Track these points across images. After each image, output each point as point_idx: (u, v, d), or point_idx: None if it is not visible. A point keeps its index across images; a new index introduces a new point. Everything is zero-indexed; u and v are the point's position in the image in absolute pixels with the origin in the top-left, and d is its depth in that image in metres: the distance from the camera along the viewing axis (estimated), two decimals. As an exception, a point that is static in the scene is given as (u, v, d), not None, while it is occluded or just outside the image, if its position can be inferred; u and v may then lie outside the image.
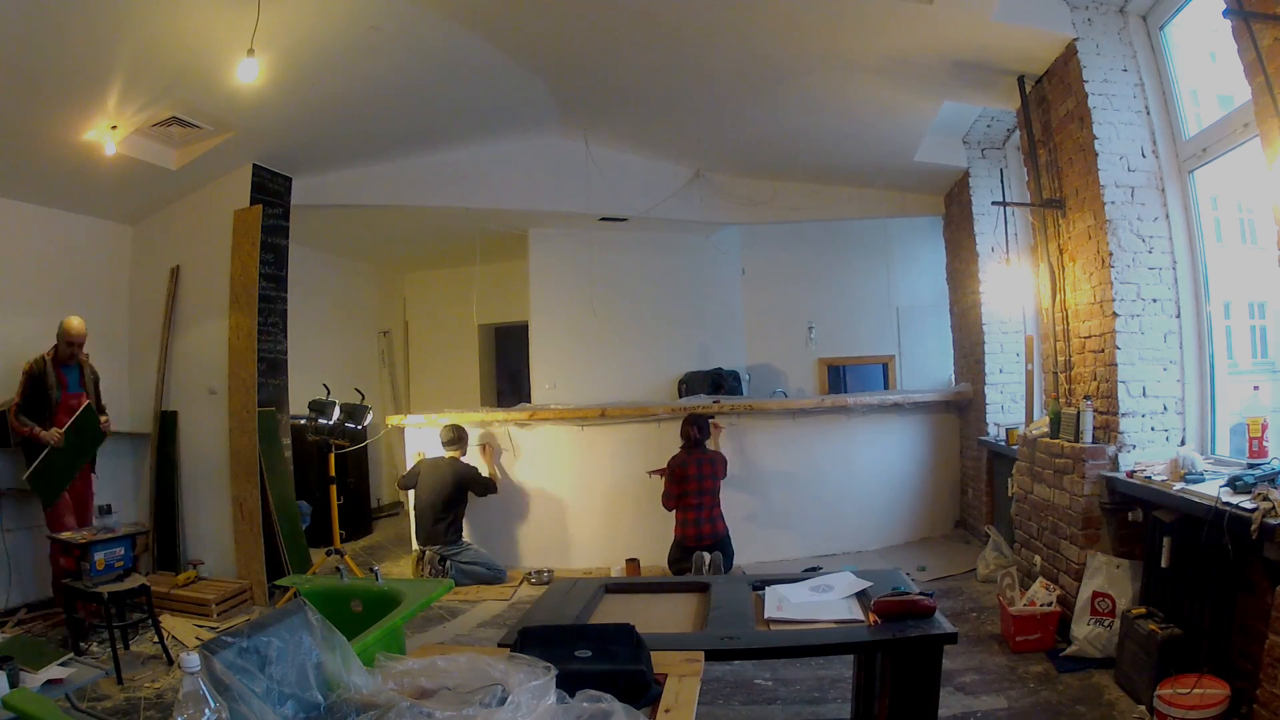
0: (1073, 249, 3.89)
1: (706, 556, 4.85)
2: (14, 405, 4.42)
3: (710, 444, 5.33)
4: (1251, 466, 2.82)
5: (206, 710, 1.24)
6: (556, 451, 5.81)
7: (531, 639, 1.82)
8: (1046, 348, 4.34)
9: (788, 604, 2.54)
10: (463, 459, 5.51)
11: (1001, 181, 5.78)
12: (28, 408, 4.44)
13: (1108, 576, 3.41)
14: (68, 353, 4.59)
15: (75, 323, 4.60)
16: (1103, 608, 3.38)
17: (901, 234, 7.86)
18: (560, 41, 4.76)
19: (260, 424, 5.19)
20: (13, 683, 2.39)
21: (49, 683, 2.56)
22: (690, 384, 7.48)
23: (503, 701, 1.42)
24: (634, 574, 5.24)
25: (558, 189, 6.67)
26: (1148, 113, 3.58)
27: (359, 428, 5.64)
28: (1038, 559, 4.06)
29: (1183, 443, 3.50)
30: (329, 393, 5.65)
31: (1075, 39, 3.59)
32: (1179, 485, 3.01)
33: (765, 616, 2.49)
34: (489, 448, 5.73)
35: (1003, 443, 5.11)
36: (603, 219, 7.16)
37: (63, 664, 2.69)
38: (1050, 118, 4.00)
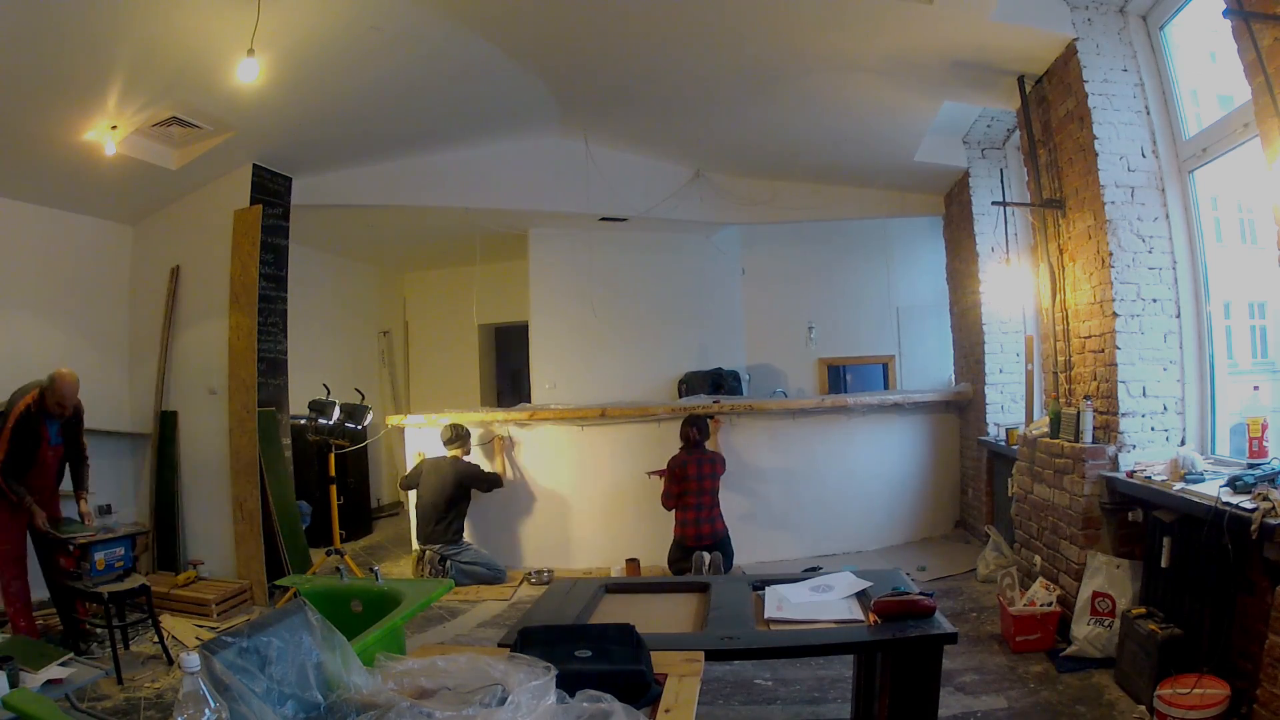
0: (1073, 249, 3.89)
1: (706, 556, 4.85)
2: None
3: (709, 443, 5.33)
4: (1251, 466, 2.82)
5: (206, 710, 1.24)
6: (556, 452, 5.81)
7: (531, 639, 1.82)
8: (1046, 348, 4.34)
9: (788, 604, 2.54)
10: (465, 458, 5.50)
11: (1001, 181, 5.78)
12: (13, 465, 3.94)
13: (1108, 576, 3.41)
14: (56, 412, 4.08)
15: (69, 379, 4.08)
16: (1103, 608, 3.38)
17: (901, 234, 7.86)
18: (560, 42, 4.76)
19: (260, 424, 5.19)
20: (13, 683, 2.39)
21: (49, 683, 2.56)
22: (690, 384, 7.49)
23: (503, 701, 1.42)
24: (634, 574, 5.24)
25: (558, 189, 6.67)
26: (1148, 113, 3.58)
27: (359, 428, 5.64)
28: (1038, 559, 4.06)
29: (1183, 443, 3.50)
30: (329, 393, 5.65)
31: (1075, 39, 3.59)
32: (1179, 485, 3.01)
33: (765, 616, 2.49)
34: (501, 441, 5.71)
35: (1003, 443, 5.11)
36: (603, 219, 7.16)
37: (63, 664, 2.69)
38: (1050, 118, 4.00)
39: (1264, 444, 2.90)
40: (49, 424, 4.12)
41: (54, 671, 2.62)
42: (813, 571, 3.10)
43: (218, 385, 5.35)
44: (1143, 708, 2.89)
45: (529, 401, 7.04)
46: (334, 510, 5.53)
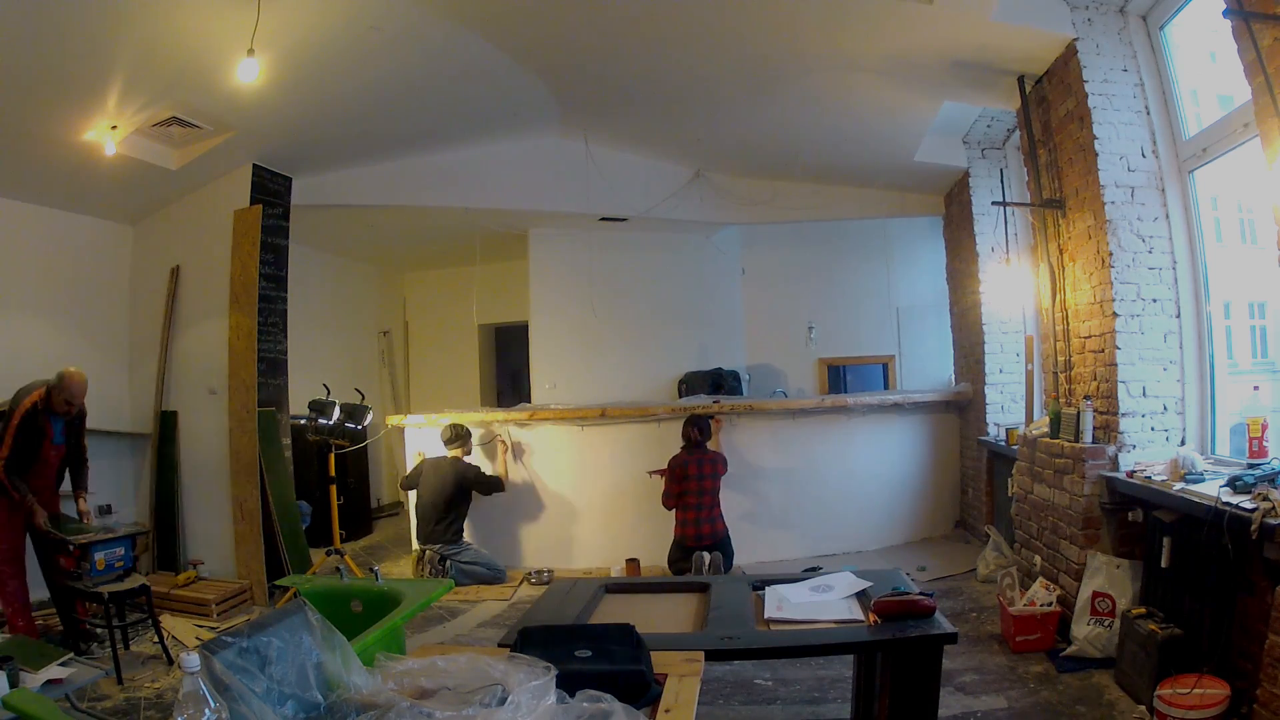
0: (1073, 249, 3.89)
1: (706, 556, 4.85)
2: (1, 458, 3.88)
3: (711, 443, 5.32)
4: (1251, 466, 2.82)
5: (206, 710, 1.24)
6: (556, 451, 5.81)
7: (531, 639, 1.82)
8: (1046, 348, 4.34)
9: (788, 604, 2.54)
10: (466, 458, 5.50)
11: (1001, 181, 5.78)
12: (16, 462, 3.93)
13: (1108, 576, 3.41)
14: (64, 410, 4.09)
15: (79, 379, 4.08)
16: (1103, 608, 3.38)
17: (901, 234, 7.87)
18: (561, 42, 4.76)
19: (260, 424, 5.19)
20: (13, 683, 2.39)
21: (49, 683, 2.56)
22: (690, 384, 7.49)
23: (503, 701, 1.42)
24: (634, 574, 5.24)
25: (558, 189, 6.67)
26: (1148, 113, 3.58)
27: (359, 428, 5.64)
28: (1038, 559, 4.06)
29: (1183, 443, 3.50)
30: (329, 393, 5.65)
31: (1075, 39, 3.59)
32: (1179, 485, 3.01)
33: (765, 616, 2.49)
34: (503, 445, 5.69)
35: (1003, 443, 5.11)
36: (603, 219, 7.16)
37: (63, 664, 2.69)
38: (1050, 118, 4.00)
39: (1264, 444, 2.90)
40: (54, 422, 4.11)
41: (54, 671, 2.62)
42: (813, 571, 3.10)
43: (218, 385, 5.35)
44: (1143, 708, 2.89)
45: (529, 401, 7.04)
46: (334, 510, 5.53)
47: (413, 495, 5.68)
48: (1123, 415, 3.50)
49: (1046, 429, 4.07)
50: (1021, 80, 4.15)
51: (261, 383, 5.28)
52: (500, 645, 2.12)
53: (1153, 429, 3.52)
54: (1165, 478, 3.18)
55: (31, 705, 2.11)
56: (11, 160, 4.69)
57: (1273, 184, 2.58)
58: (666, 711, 1.63)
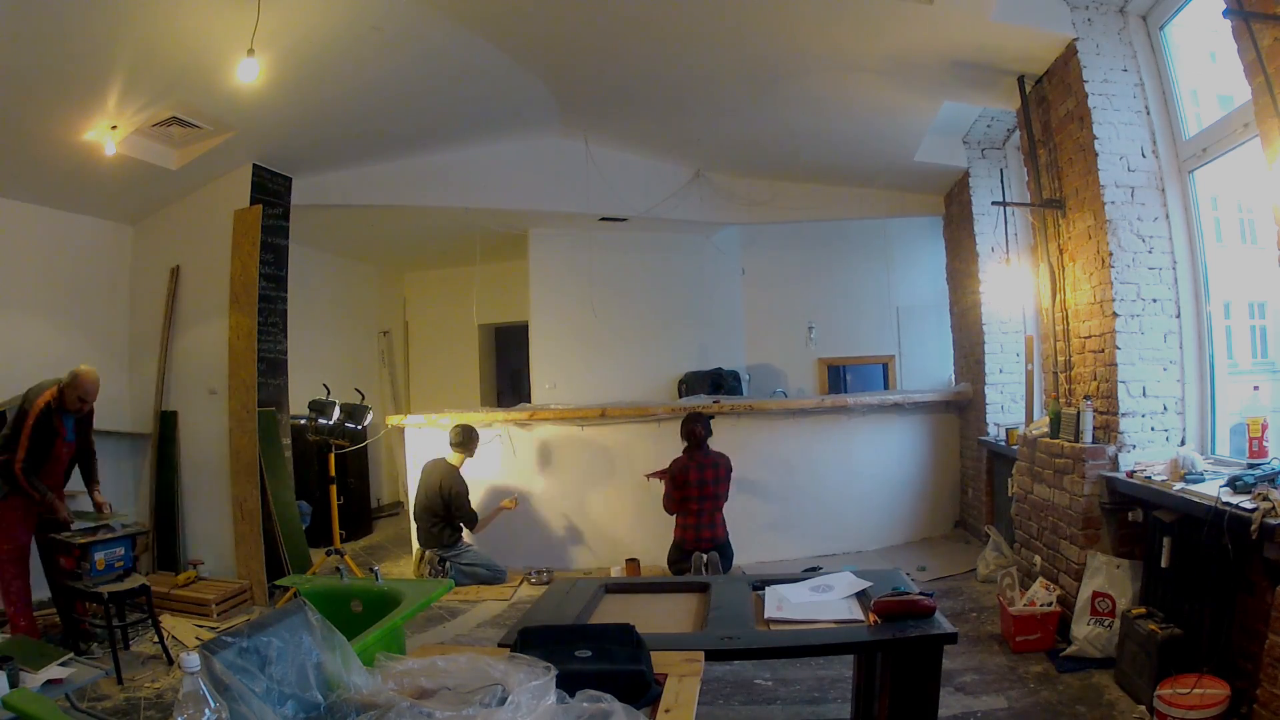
0: (1073, 249, 3.89)
1: (704, 556, 4.84)
2: (19, 458, 3.90)
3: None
4: (1251, 466, 2.82)
5: (206, 710, 1.24)
6: (556, 451, 5.81)
7: (531, 639, 1.82)
8: (1046, 348, 4.34)
9: (788, 604, 2.54)
10: (468, 461, 5.47)
11: (1001, 181, 5.78)
12: (31, 462, 3.95)
13: (1108, 576, 3.41)
14: (75, 407, 4.10)
15: (93, 377, 4.09)
16: (1103, 608, 3.38)
17: (901, 234, 7.87)
18: (561, 42, 4.76)
19: (260, 424, 5.19)
20: (13, 683, 2.39)
21: (49, 683, 2.57)
22: (690, 384, 7.49)
23: (503, 701, 1.41)
24: (634, 574, 5.24)
25: (558, 189, 6.67)
26: (1148, 113, 3.58)
27: (359, 428, 5.64)
28: (1038, 559, 4.06)
29: (1183, 443, 3.50)
30: (329, 393, 5.65)
31: (1075, 39, 3.59)
32: (1179, 485, 3.01)
33: (765, 616, 2.49)
34: (511, 504, 5.54)
35: (1003, 443, 5.11)
36: (603, 219, 7.16)
37: (63, 664, 2.69)
38: (1050, 118, 4.00)
39: (1264, 444, 2.90)
40: (65, 420, 4.13)
41: (54, 671, 2.62)
42: (813, 571, 3.10)
43: (218, 385, 5.35)
44: (1143, 708, 2.89)
45: (529, 401, 7.04)
46: (334, 510, 5.53)
47: (413, 496, 5.68)
48: (1123, 415, 3.50)
49: (1046, 429, 4.07)
50: (1021, 80, 4.15)
51: (261, 383, 5.28)
52: (500, 645, 2.12)
53: (1153, 429, 3.52)
54: (1165, 478, 3.18)
55: (31, 705, 2.12)
56: (11, 160, 4.69)
57: (1273, 184, 2.58)
58: (666, 711, 1.63)
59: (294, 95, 4.66)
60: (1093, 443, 3.61)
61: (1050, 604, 3.68)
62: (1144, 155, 3.57)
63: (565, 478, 5.79)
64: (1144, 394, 3.51)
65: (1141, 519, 3.38)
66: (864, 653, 2.71)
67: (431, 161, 6.32)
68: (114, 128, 4.47)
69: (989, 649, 3.70)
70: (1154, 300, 3.52)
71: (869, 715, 2.71)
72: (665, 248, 7.81)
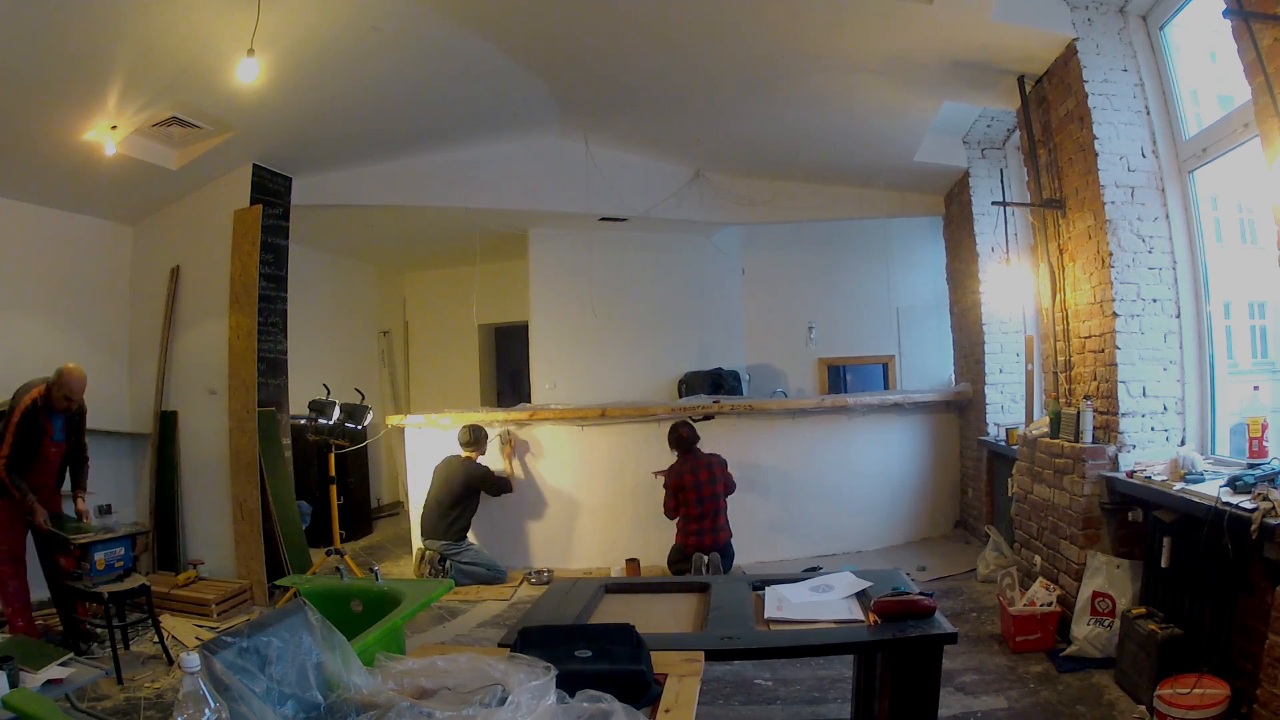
0: (1073, 249, 3.89)
1: (705, 557, 4.84)
2: (3, 455, 3.89)
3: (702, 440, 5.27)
4: (1251, 466, 2.82)
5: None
6: (556, 452, 5.80)
7: (531, 639, 1.82)
8: (1046, 348, 4.34)
9: (788, 604, 2.54)
10: (480, 459, 5.49)
11: (1001, 181, 5.78)
12: (16, 461, 3.93)
13: (1108, 576, 3.41)
14: (63, 406, 4.10)
15: (78, 374, 4.09)
16: (1103, 608, 3.38)
17: (901, 234, 7.86)
18: (561, 42, 4.76)
19: (260, 424, 5.19)
20: (13, 683, 2.39)
21: (49, 683, 2.57)
22: (690, 384, 7.49)
23: (503, 701, 1.42)
24: (634, 574, 5.24)
25: (558, 189, 6.67)
26: (1148, 113, 3.58)
27: (359, 428, 5.64)
28: (1038, 559, 4.06)
29: (1183, 443, 3.50)
30: (329, 393, 5.65)
31: (1075, 39, 3.59)
32: (1179, 485, 3.01)
33: (765, 616, 2.49)
34: (510, 444, 5.69)
35: (1003, 443, 5.11)
36: (603, 219, 7.16)
37: (63, 664, 2.69)
38: (1050, 118, 4.00)
39: (1264, 444, 2.90)
40: (53, 419, 4.12)
41: (54, 671, 2.62)
42: (813, 571, 3.10)
43: (218, 385, 5.35)
44: (1143, 708, 2.89)
45: (529, 401, 7.04)
46: (334, 510, 5.53)
47: (414, 495, 5.68)
48: (1123, 415, 3.50)
49: (1046, 429, 4.07)
50: (1021, 80, 4.15)
51: (261, 383, 5.28)
52: (500, 645, 2.12)
53: (1153, 429, 3.52)
54: (1165, 478, 3.18)
55: (31, 705, 2.11)
56: (11, 160, 4.69)
57: (1273, 184, 2.58)
58: (666, 711, 1.63)
59: (294, 95, 4.66)
60: (1093, 443, 3.61)
61: (1050, 604, 3.68)
62: (1144, 155, 3.57)
63: (565, 478, 5.79)
64: (1144, 394, 3.51)
65: (1141, 519, 3.38)
66: (864, 653, 2.71)
67: (431, 161, 6.32)
68: (114, 128, 4.47)
69: (989, 649, 3.70)
70: (1154, 300, 3.52)
71: (869, 715, 2.71)
72: (665, 248, 7.81)
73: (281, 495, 5.34)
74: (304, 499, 5.79)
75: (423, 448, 5.80)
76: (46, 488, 4.15)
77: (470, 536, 5.52)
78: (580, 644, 1.78)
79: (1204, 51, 3.53)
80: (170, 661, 3.92)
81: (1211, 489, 2.78)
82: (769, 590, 2.67)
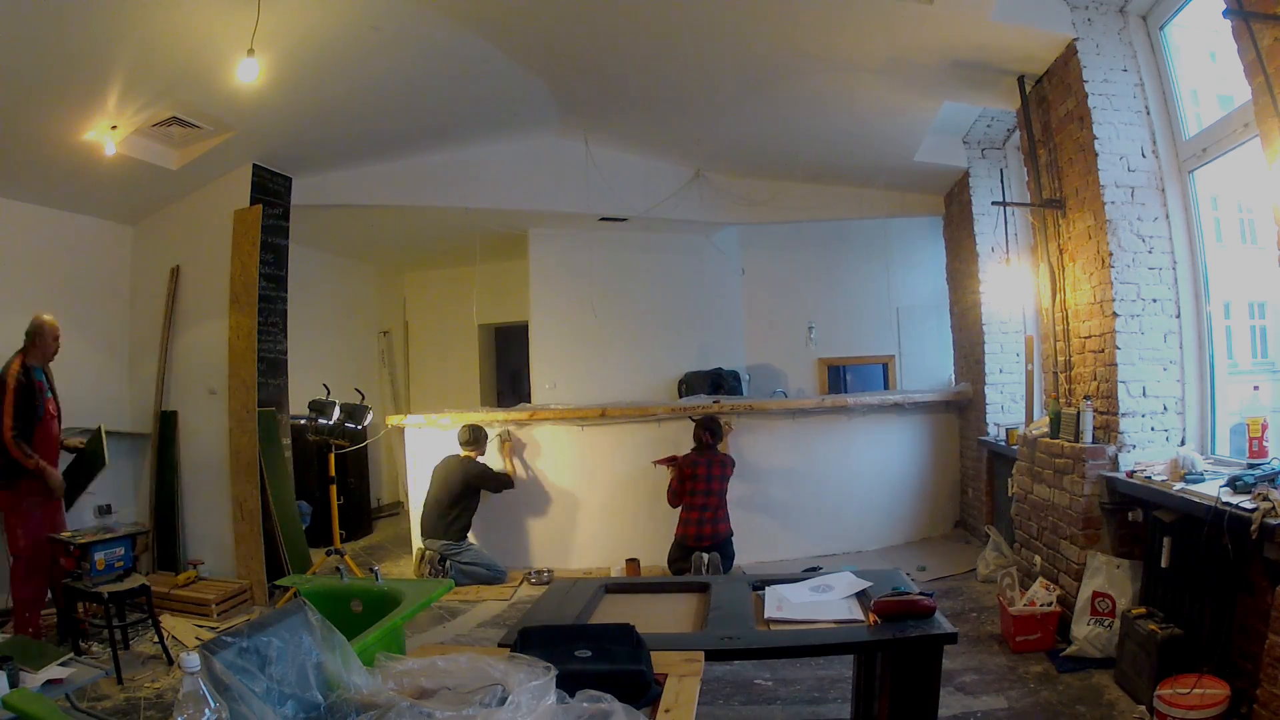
0: (1073, 249, 3.89)
1: (705, 556, 4.85)
2: (6, 426, 3.94)
3: (720, 446, 5.31)
4: (1251, 466, 2.82)
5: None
6: (557, 452, 5.80)
7: (531, 639, 1.82)
8: (1046, 348, 4.34)
9: (788, 604, 2.54)
10: (479, 459, 5.50)
11: (1001, 181, 5.78)
12: (25, 429, 4.00)
13: (1108, 576, 3.41)
14: (54, 349, 4.16)
15: (51, 319, 4.20)
16: (1103, 608, 3.38)
17: (901, 234, 7.86)
18: (561, 42, 4.76)
19: (260, 424, 5.19)
20: (13, 683, 2.39)
21: (49, 683, 2.56)
22: (690, 384, 7.49)
23: (503, 701, 1.42)
24: (634, 574, 5.24)
25: (558, 189, 6.67)
26: (1148, 113, 3.58)
27: (359, 428, 5.64)
28: (1038, 559, 4.06)
29: (1183, 443, 3.50)
30: (329, 393, 5.65)
31: (1075, 39, 3.59)
32: (1179, 485, 3.01)
33: (765, 616, 2.49)
34: (508, 443, 5.70)
35: (1003, 443, 5.11)
36: (603, 219, 7.16)
37: (63, 664, 2.69)
38: (1050, 118, 4.00)
39: (1264, 444, 2.90)
40: (39, 375, 4.17)
41: (54, 671, 2.62)
42: (813, 571, 3.10)
43: (218, 385, 5.35)
44: (1143, 708, 2.88)
45: (529, 401, 7.04)
46: (334, 510, 5.53)
47: (414, 495, 5.67)
48: (1123, 415, 3.50)
49: (1046, 429, 4.07)
50: (1021, 80, 4.15)
51: (261, 383, 5.28)
52: (500, 645, 2.12)
53: (1153, 429, 3.52)
54: (1165, 478, 3.18)
55: (31, 705, 2.11)
56: (11, 160, 4.68)
57: (1273, 184, 2.58)
58: (666, 711, 1.63)
59: (294, 95, 4.66)
60: (1093, 443, 3.61)
61: (1050, 604, 3.68)
62: (1144, 155, 3.57)
63: (565, 478, 5.79)
64: (1144, 394, 3.51)
65: (1141, 519, 3.38)
66: (864, 653, 2.71)
67: (431, 161, 6.32)
68: (114, 128, 4.47)
69: (989, 649, 3.70)
70: (1154, 300, 3.52)
71: (869, 715, 2.71)
72: (665, 248, 7.81)
73: (281, 495, 5.34)
74: (304, 499, 5.79)
75: (423, 448, 5.80)
76: (50, 454, 4.19)
77: (470, 536, 5.52)
78: (580, 644, 1.78)
79: (1204, 51, 3.53)
80: (170, 661, 3.92)
81: (1211, 489, 2.78)
82: (769, 590, 2.67)
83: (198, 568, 5.08)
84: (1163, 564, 3.12)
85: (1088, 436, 3.63)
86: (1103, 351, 3.63)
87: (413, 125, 5.70)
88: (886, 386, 8.15)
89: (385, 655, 1.61)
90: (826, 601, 2.56)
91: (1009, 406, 5.69)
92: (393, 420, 6.28)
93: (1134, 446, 3.50)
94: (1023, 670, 3.40)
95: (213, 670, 1.33)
